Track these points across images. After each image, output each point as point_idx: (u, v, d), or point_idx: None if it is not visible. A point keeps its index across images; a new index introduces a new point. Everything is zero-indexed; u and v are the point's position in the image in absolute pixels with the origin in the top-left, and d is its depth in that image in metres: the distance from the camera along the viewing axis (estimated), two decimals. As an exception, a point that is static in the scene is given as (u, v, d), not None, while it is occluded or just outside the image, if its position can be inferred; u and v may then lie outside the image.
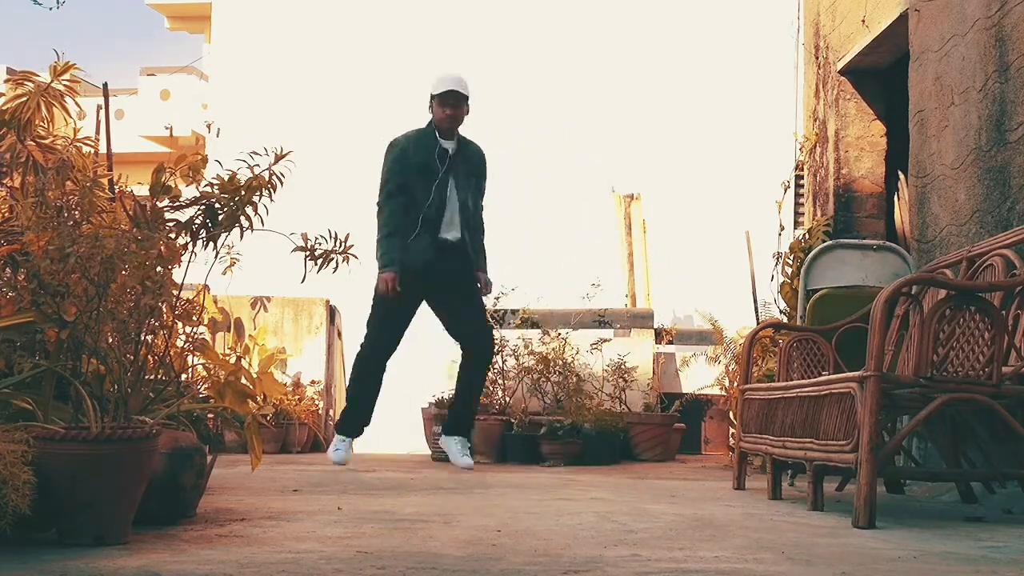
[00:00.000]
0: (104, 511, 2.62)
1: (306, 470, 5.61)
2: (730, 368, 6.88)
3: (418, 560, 2.46)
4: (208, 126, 12.08)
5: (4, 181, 3.40)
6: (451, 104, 5.61)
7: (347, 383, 6.19)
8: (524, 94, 10.90)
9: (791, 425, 3.90)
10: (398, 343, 5.74)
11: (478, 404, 6.09)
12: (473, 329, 5.71)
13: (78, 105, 3.47)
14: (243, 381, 3.32)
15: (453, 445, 5.76)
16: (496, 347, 6.15)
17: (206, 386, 3.70)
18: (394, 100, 10.75)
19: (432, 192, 5.54)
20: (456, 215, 5.61)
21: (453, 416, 5.89)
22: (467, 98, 5.67)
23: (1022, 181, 4.24)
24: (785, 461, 4.14)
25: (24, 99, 3.28)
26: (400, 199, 5.56)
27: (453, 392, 6.10)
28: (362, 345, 5.74)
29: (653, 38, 11.10)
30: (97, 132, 5.09)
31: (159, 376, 3.31)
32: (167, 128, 20.20)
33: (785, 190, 7.75)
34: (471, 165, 5.74)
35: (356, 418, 5.75)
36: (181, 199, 3.31)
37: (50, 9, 6.58)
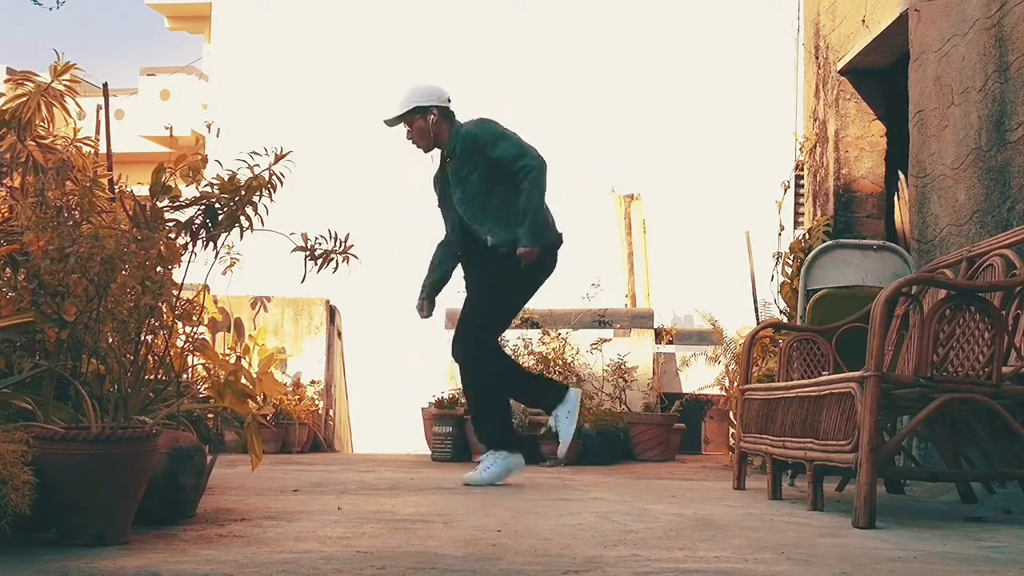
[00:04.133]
0: (104, 511, 2.62)
1: (306, 470, 5.61)
2: (730, 368, 6.88)
3: (418, 560, 2.46)
4: (208, 126, 12.09)
5: (4, 181, 3.40)
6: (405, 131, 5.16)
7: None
8: (524, 94, 10.90)
9: (791, 425, 3.89)
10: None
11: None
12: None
13: (78, 105, 3.48)
14: (243, 381, 3.31)
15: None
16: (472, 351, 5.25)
17: (206, 386, 3.70)
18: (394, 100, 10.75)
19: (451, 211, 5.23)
20: (470, 217, 5.12)
21: None
22: (415, 110, 5.06)
23: (1022, 181, 4.24)
24: (785, 461, 4.14)
25: (24, 99, 3.28)
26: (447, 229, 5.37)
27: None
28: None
29: (653, 38, 11.10)
30: (97, 132, 5.09)
31: (159, 376, 3.31)
32: (167, 128, 20.19)
33: (785, 190, 7.75)
34: (460, 160, 5.08)
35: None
36: (181, 199, 3.30)
37: (50, 9, 6.59)
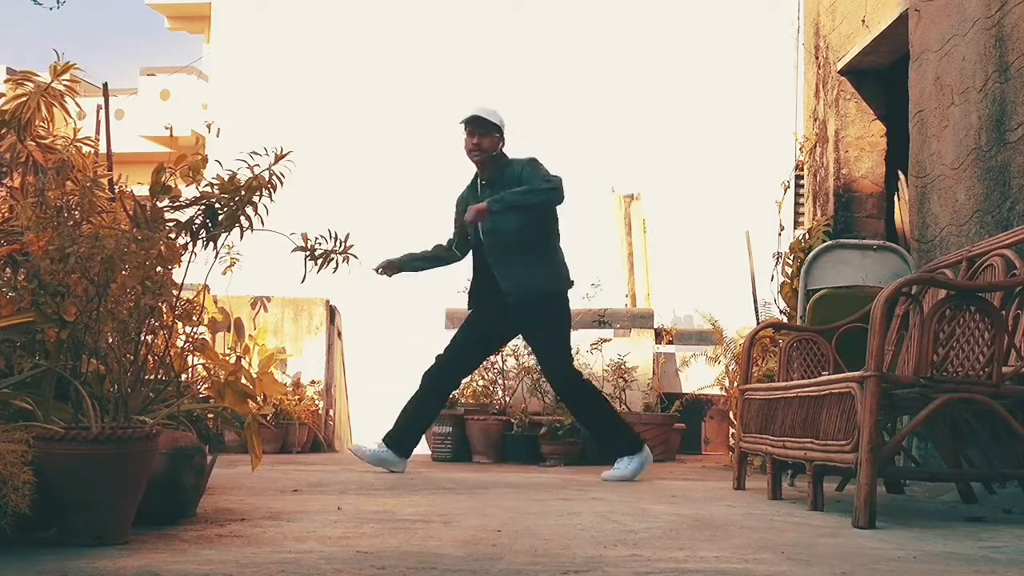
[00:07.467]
0: (104, 511, 2.62)
1: (306, 470, 5.61)
2: (730, 368, 6.87)
3: (418, 560, 2.46)
4: (208, 126, 12.08)
5: (4, 181, 3.40)
6: (468, 132, 5.38)
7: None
8: (524, 94, 10.90)
9: (791, 425, 3.90)
10: (466, 365, 5.77)
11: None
12: (544, 370, 5.67)
13: (78, 105, 3.48)
14: (243, 381, 3.31)
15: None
16: (563, 380, 5.57)
17: (206, 386, 3.70)
18: (394, 100, 10.75)
19: (476, 238, 5.48)
20: (500, 255, 5.40)
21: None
22: (496, 127, 5.37)
23: (1022, 181, 4.24)
24: (785, 461, 4.14)
25: (24, 99, 3.28)
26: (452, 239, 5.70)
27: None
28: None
29: (654, 38, 11.10)
30: (97, 132, 5.09)
31: (159, 376, 3.31)
32: (167, 128, 20.20)
33: (785, 190, 7.75)
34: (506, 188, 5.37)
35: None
36: (181, 199, 3.31)
37: (50, 9, 6.59)
